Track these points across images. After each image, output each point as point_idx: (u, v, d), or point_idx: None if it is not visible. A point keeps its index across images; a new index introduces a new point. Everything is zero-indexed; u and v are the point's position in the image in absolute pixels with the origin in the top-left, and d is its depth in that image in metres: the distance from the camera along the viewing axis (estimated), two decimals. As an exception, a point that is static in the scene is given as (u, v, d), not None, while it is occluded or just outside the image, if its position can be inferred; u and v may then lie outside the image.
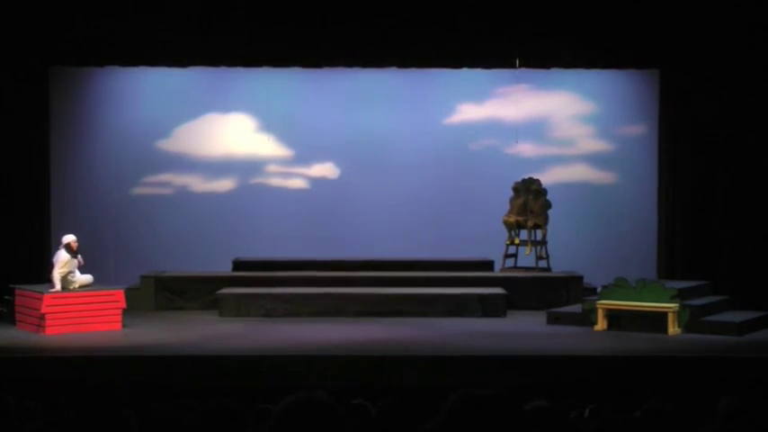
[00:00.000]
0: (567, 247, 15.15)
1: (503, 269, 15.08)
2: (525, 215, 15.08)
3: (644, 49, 14.29)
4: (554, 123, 16.22)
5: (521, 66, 14.58)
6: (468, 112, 16.25)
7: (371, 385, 9.20)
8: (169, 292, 14.11)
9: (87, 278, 12.35)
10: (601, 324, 12.10)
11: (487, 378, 9.53)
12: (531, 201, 15.11)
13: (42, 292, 11.85)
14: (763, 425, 3.26)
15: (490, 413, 2.76)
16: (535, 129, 16.10)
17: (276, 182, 16.33)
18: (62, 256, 12.10)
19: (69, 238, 12.28)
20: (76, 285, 12.16)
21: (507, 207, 15.21)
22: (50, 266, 12.28)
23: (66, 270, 12.10)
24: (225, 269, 14.81)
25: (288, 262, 14.86)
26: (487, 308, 13.32)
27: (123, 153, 15.92)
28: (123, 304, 12.18)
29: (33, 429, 4.77)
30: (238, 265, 14.92)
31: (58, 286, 11.99)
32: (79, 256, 12.29)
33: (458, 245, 15.51)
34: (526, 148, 16.06)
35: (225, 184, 16.23)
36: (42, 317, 11.72)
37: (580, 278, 14.24)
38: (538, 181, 15.20)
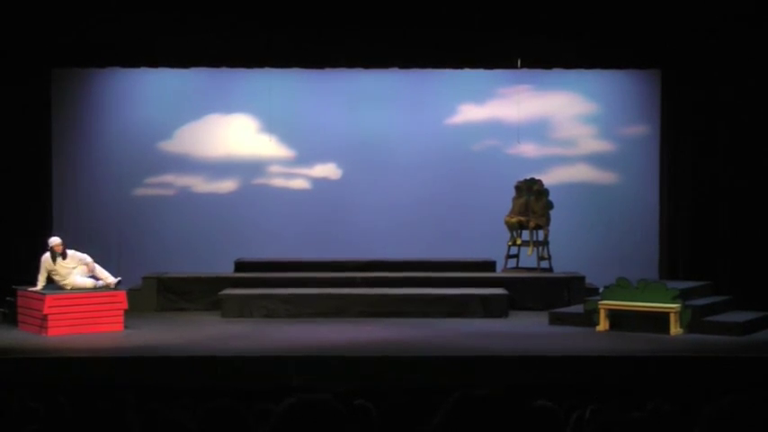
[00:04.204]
0: (568, 247, 15.13)
1: (504, 270, 15.07)
2: (527, 215, 15.07)
3: (646, 48, 14.29)
4: (555, 124, 16.20)
5: (522, 66, 14.58)
6: (469, 113, 16.23)
7: (373, 386, 9.20)
8: (171, 293, 14.11)
9: (85, 281, 12.24)
10: (603, 324, 12.09)
11: (489, 378, 9.53)
12: (532, 201, 15.10)
13: (44, 294, 11.86)
14: (763, 425, 3.26)
15: (489, 413, 2.77)
16: (537, 129, 16.08)
17: (278, 183, 16.31)
18: (42, 258, 12.13)
19: (53, 242, 12.28)
20: (68, 288, 12.08)
21: (509, 207, 15.21)
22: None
23: (53, 272, 12.07)
24: (227, 270, 14.81)
25: (290, 263, 14.85)
26: (489, 308, 13.31)
27: (125, 154, 15.92)
28: (125, 305, 12.18)
29: (35, 431, 4.77)
30: (240, 265, 14.91)
31: (38, 287, 12.03)
32: (89, 260, 12.27)
33: (459, 245, 15.51)
34: (528, 149, 16.04)
35: (227, 185, 16.23)
36: (44, 318, 11.72)
37: (582, 278, 14.23)
38: (540, 181, 15.19)
